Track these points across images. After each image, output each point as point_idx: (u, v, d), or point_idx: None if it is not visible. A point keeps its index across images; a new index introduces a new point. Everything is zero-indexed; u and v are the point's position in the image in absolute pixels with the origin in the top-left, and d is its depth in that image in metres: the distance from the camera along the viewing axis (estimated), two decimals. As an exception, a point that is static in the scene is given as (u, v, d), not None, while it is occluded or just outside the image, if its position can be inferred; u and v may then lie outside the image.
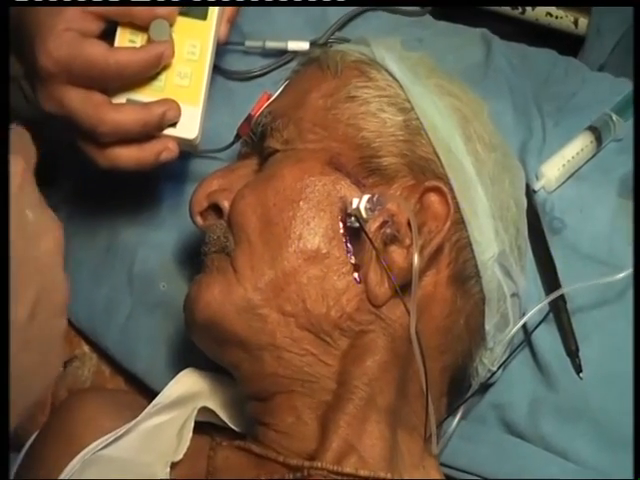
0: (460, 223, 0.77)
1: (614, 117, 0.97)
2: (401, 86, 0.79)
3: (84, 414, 0.81)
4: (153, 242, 0.92)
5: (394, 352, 0.74)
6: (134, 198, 0.93)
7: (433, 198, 0.75)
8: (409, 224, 0.73)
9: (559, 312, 0.88)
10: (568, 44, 1.17)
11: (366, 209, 0.72)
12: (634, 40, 0.89)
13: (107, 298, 0.90)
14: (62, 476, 0.76)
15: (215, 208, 0.79)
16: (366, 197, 0.72)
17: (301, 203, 0.74)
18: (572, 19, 1.23)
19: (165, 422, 0.80)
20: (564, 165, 0.94)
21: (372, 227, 0.74)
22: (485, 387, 0.88)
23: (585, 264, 0.91)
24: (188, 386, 0.82)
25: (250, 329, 0.74)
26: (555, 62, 1.04)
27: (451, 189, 0.76)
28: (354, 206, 0.72)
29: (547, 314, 0.87)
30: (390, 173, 0.76)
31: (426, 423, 0.74)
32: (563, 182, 0.95)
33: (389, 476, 0.71)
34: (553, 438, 0.85)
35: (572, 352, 0.86)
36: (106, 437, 0.77)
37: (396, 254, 0.73)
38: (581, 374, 0.85)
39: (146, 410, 0.80)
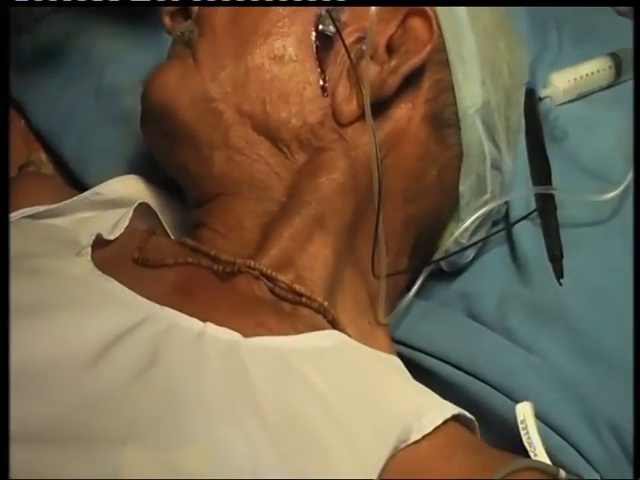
0: (445, 64, 0.71)
1: (640, 56, 0.92)
2: None
3: (22, 187, 0.77)
4: (128, 61, 0.88)
5: (353, 177, 0.68)
6: (117, 12, 0.89)
7: (417, 23, 0.70)
8: (387, 46, 0.69)
9: (547, 215, 0.81)
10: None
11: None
12: (634, 40, 0.86)
13: (70, 105, 0.86)
14: None
15: (187, 14, 0.75)
16: None
17: None
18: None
19: (103, 214, 0.74)
20: (576, 79, 0.88)
21: (347, 40, 0.69)
22: (454, 275, 0.81)
23: (582, 176, 0.84)
24: (133, 190, 0.77)
25: (203, 122, 0.69)
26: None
27: (439, 26, 0.71)
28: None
29: (533, 212, 0.81)
30: None
31: (373, 262, 0.67)
32: (571, 100, 0.89)
33: (326, 304, 0.65)
34: (520, 333, 0.77)
35: (555, 257, 0.79)
36: (38, 207, 0.73)
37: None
38: (561, 280, 0.78)
39: (85, 194, 0.74)
